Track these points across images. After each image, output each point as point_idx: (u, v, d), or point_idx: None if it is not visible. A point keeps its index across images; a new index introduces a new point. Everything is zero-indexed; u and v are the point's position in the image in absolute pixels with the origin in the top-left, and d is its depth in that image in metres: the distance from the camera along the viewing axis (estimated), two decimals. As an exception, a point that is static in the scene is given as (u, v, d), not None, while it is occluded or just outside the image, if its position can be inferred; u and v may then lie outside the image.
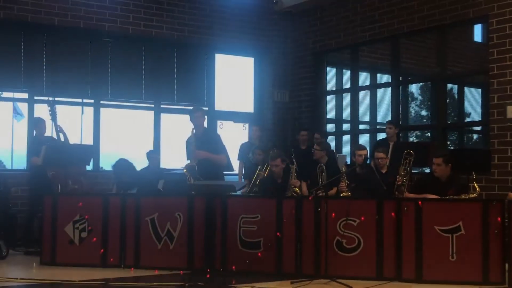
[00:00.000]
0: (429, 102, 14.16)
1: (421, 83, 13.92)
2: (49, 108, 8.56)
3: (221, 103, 11.97)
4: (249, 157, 9.22)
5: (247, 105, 12.40)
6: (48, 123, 8.96)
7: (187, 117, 8.22)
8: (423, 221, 6.61)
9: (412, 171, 8.10)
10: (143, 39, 11.03)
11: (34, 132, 9.31)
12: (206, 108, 11.47)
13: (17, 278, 6.57)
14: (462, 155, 8.05)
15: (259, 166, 8.55)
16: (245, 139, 11.20)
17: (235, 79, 12.26)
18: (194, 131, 8.03)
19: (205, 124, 8.46)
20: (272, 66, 12.22)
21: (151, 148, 10.59)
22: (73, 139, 9.19)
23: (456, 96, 13.17)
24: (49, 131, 9.07)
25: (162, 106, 11.35)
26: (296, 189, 7.95)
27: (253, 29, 12.00)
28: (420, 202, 6.68)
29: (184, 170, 7.96)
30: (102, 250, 7.39)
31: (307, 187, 8.30)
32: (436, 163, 7.20)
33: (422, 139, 13.85)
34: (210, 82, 11.82)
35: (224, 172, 8.47)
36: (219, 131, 11.50)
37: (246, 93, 12.41)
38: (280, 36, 12.29)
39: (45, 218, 7.62)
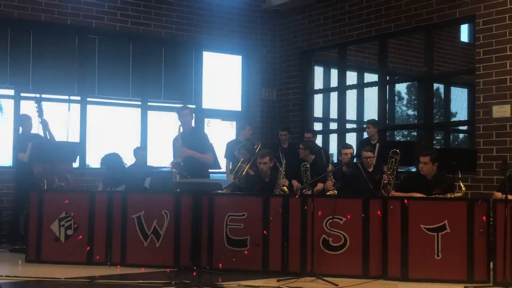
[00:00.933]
0: (415, 102, 14.24)
1: (408, 83, 14.00)
2: (36, 105, 8.51)
3: (209, 101, 11.96)
4: (235, 154, 9.23)
5: (235, 103, 12.40)
6: (35, 120, 8.91)
7: (174, 114, 8.21)
8: (409, 219, 6.64)
9: (398, 170, 8.15)
10: (130, 36, 11.00)
11: (20, 129, 9.25)
12: (194, 106, 11.47)
13: (2, 276, 6.52)
14: (448, 154, 8.10)
15: (242, 159, 8.57)
16: (233, 137, 11.20)
17: (222, 77, 12.25)
18: (181, 129, 8.02)
19: (193, 123, 8.45)
20: (260, 65, 12.23)
21: (138, 145, 10.56)
22: (60, 136, 9.14)
23: (442, 95, 13.26)
24: (35, 128, 9.04)
25: (149, 103, 11.32)
26: (284, 188, 7.94)
27: (241, 27, 12.00)
28: (406, 201, 6.71)
29: (170, 166, 7.95)
30: (88, 248, 7.35)
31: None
32: (423, 162, 7.24)
33: (408, 138, 13.92)
34: (198, 80, 11.80)
35: (212, 170, 8.47)
36: (206, 129, 11.49)
37: (234, 91, 12.40)
38: (268, 34, 12.30)
39: (30, 215, 7.57)
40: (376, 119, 10.30)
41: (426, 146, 9.50)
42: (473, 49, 9.37)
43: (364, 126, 9.63)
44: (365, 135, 10.95)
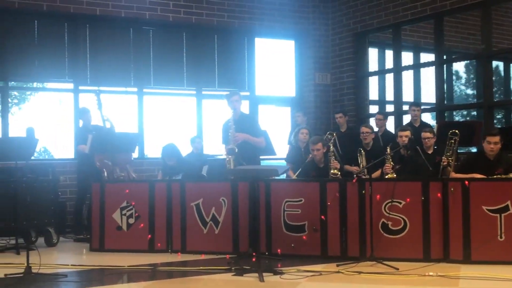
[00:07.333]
0: (474, 80, 13.91)
1: (465, 61, 13.67)
2: (96, 97, 8.69)
3: (262, 87, 11.96)
4: (290, 141, 9.21)
5: (289, 89, 12.36)
6: (94, 113, 9.11)
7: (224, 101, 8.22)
8: (470, 201, 6.51)
9: (458, 151, 7.97)
10: (183, 26, 11.09)
11: (81, 122, 9.48)
12: (248, 93, 11.51)
13: (67, 265, 6.72)
14: (510, 133, 7.85)
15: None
16: (287, 123, 11.18)
17: (275, 63, 12.22)
18: (232, 115, 8.02)
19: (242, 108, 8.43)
20: (313, 49, 12.13)
21: (194, 134, 10.67)
22: (118, 128, 9.31)
23: (502, 73, 12.90)
24: (95, 121, 9.24)
25: (203, 92, 11.41)
26: (336, 171, 7.82)
27: (293, 12, 11.92)
28: (467, 182, 6.57)
29: (224, 153, 7.99)
30: (149, 236, 7.51)
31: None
32: (493, 142, 6.97)
33: (468, 118, 13.63)
34: (251, 66, 11.81)
35: (268, 157, 8.46)
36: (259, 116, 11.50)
37: (287, 76, 12.36)
38: (320, 18, 12.18)
39: (93, 206, 7.79)
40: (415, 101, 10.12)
41: (486, 126, 9.26)
42: (533, 24, 9.06)
43: (429, 107, 9.41)
44: (423, 116, 10.80)
